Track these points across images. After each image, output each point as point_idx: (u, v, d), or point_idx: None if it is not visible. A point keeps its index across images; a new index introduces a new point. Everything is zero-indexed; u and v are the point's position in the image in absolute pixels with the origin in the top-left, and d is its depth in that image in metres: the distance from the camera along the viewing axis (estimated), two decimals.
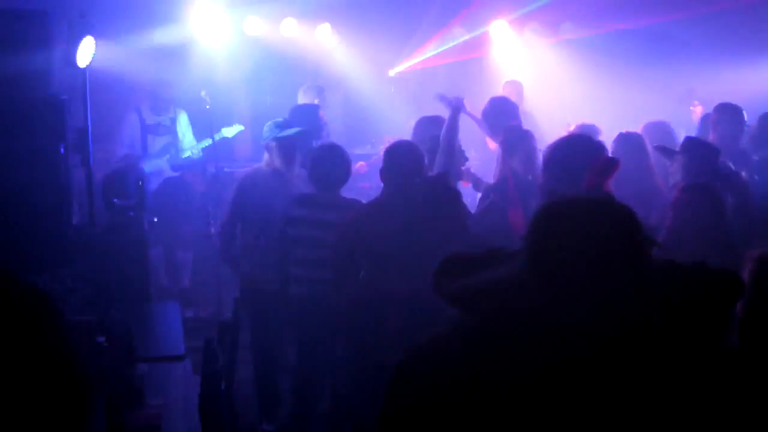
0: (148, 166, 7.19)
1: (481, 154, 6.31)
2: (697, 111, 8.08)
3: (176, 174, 7.62)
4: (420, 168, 4.26)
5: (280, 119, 5.44)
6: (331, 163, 4.76)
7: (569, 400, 1.54)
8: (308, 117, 6.11)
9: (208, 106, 7.17)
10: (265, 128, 5.32)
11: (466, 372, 1.59)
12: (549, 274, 1.60)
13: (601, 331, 1.56)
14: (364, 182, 6.79)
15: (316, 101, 7.29)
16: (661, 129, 5.51)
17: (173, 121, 7.63)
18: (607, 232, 1.60)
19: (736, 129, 5.57)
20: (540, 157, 4.93)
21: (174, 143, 7.57)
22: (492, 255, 1.76)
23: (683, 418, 1.59)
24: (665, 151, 4.59)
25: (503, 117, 5.74)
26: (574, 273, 1.58)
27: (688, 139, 4.65)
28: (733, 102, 5.80)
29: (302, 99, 7.36)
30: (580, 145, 3.82)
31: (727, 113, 5.60)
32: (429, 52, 9.32)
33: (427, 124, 5.13)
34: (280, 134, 5.18)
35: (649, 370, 1.57)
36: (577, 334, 1.56)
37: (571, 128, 5.75)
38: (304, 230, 4.74)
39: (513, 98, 7.65)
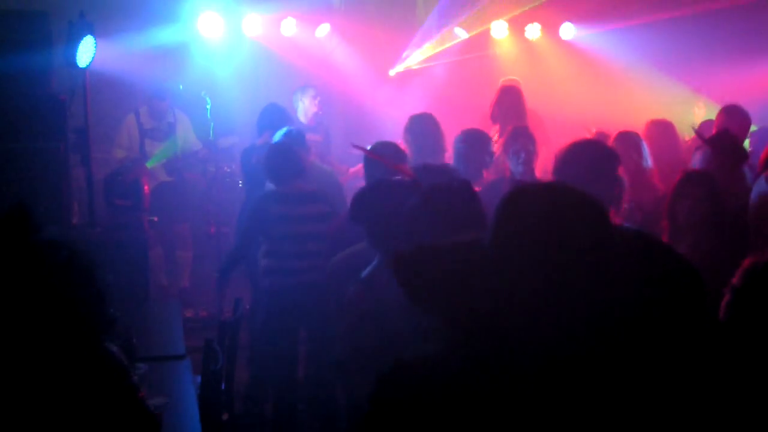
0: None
1: None
2: (701, 114, 8.10)
3: (171, 179, 7.61)
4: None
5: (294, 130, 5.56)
6: (285, 159, 4.96)
7: (556, 402, 1.54)
8: (277, 117, 6.24)
9: (208, 106, 7.18)
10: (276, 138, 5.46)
11: (448, 386, 1.59)
12: (511, 255, 1.60)
13: (571, 321, 1.56)
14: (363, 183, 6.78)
15: (315, 103, 7.33)
16: (664, 128, 5.53)
17: (171, 126, 7.62)
18: (567, 216, 1.61)
19: (741, 131, 5.67)
20: (534, 159, 4.97)
21: (172, 148, 7.57)
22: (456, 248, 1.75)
23: (670, 406, 1.60)
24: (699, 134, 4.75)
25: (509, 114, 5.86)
26: (535, 253, 1.59)
27: (721, 133, 4.73)
28: (735, 101, 5.87)
29: (298, 100, 7.39)
30: (591, 151, 3.80)
31: (733, 115, 5.68)
32: (429, 52, 9.31)
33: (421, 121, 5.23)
34: None
35: (631, 359, 1.58)
36: (545, 329, 1.56)
37: (592, 132, 5.75)
38: (289, 227, 4.81)
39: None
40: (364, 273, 2.99)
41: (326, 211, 4.83)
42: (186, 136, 7.68)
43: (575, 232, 1.59)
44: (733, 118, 5.66)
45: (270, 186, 5.03)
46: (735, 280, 2.18)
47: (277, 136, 5.58)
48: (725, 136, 4.64)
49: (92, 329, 2.00)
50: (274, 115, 6.28)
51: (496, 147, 5.63)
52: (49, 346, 1.92)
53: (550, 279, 1.56)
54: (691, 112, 8.16)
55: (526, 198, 1.65)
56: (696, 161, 4.52)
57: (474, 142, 4.89)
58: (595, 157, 3.67)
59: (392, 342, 1.81)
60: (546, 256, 1.57)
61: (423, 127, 5.16)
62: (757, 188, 4.14)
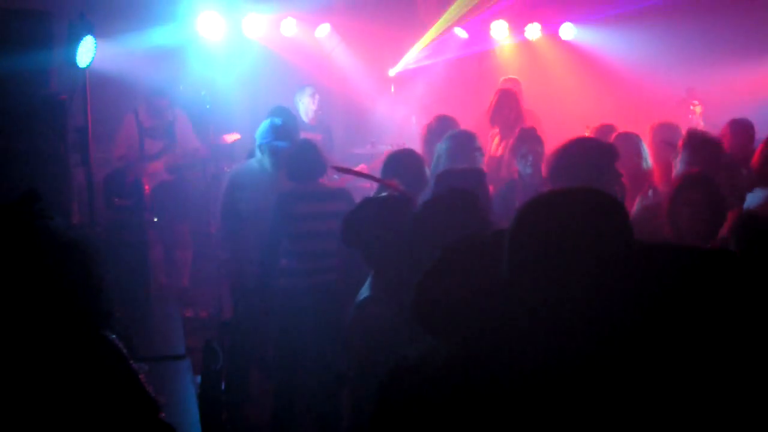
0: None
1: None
2: (697, 110, 8.11)
3: (171, 178, 7.59)
4: (418, 176, 4.32)
5: (278, 121, 5.48)
6: (310, 157, 4.94)
7: (561, 407, 1.53)
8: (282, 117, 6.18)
9: (208, 106, 7.18)
10: (261, 128, 5.38)
11: (451, 388, 1.58)
12: (528, 266, 1.58)
13: (584, 331, 1.55)
14: (365, 182, 6.77)
15: (315, 101, 7.33)
16: (669, 130, 5.54)
17: (171, 124, 7.61)
18: (586, 222, 1.56)
19: (746, 142, 5.68)
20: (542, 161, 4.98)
21: (171, 146, 7.56)
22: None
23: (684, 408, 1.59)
24: (671, 145, 4.72)
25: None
26: (552, 262, 1.55)
27: (690, 132, 4.71)
28: (729, 101, 5.90)
29: (299, 100, 7.39)
30: (586, 149, 3.79)
31: (738, 128, 5.72)
32: (429, 51, 9.31)
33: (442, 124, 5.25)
34: (274, 142, 5.28)
35: (646, 365, 1.56)
36: (561, 336, 1.55)
37: (589, 130, 5.76)
38: (308, 224, 4.81)
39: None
40: (362, 293, 3.00)
41: (345, 209, 4.81)
42: (185, 134, 7.67)
43: (591, 243, 1.55)
44: (738, 131, 5.67)
45: (290, 184, 5.03)
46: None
47: (262, 127, 5.49)
48: (694, 136, 4.63)
49: (86, 317, 2.02)
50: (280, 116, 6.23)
51: (501, 149, 5.65)
52: (43, 330, 1.95)
53: (565, 294, 1.54)
54: (690, 111, 8.17)
55: (539, 216, 1.61)
56: (678, 168, 4.50)
57: (462, 143, 4.86)
58: (590, 156, 3.66)
59: (396, 356, 1.82)
60: (562, 273, 1.54)
61: (445, 130, 5.16)
62: (751, 199, 4.13)
